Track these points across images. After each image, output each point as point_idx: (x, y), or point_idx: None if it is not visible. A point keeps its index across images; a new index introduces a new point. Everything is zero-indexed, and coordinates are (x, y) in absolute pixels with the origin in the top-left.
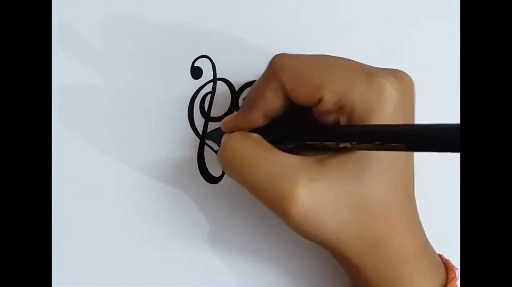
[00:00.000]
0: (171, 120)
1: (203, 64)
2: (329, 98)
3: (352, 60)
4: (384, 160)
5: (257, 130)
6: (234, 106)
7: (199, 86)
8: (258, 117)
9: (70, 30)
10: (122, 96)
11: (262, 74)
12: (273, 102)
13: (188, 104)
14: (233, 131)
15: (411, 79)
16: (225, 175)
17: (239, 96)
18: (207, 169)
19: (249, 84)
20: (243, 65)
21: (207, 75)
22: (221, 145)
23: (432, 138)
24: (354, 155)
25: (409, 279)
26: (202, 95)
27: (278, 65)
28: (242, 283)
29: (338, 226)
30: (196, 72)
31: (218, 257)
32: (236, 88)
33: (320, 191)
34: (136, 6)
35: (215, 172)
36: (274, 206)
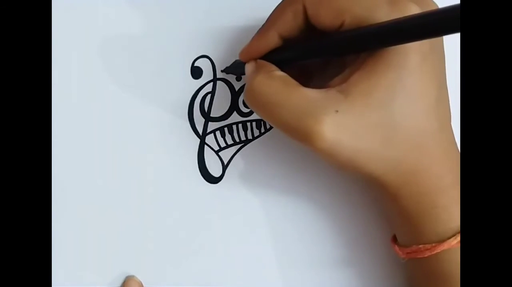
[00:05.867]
0: (171, 120)
1: (203, 64)
2: (350, 22)
3: None
4: (411, 87)
5: (271, 53)
6: (234, 106)
7: (199, 86)
8: (273, 37)
9: (70, 30)
10: (122, 96)
11: None
12: (291, 24)
13: (188, 104)
14: (251, 58)
15: (436, 5)
16: (225, 175)
17: (239, 96)
18: (207, 169)
19: None
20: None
21: (207, 75)
22: (246, 85)
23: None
24: (378, 82)
25: (446, 209)
26: (202, 95)
27: None
28: (241, 283)
29: (372, 157)
30: (196, 72)
31: (218, 257)
32: (236, 88)
33: (346, 123)
34: (136, 6)
35: (215, 172)
36: (303, 143)
